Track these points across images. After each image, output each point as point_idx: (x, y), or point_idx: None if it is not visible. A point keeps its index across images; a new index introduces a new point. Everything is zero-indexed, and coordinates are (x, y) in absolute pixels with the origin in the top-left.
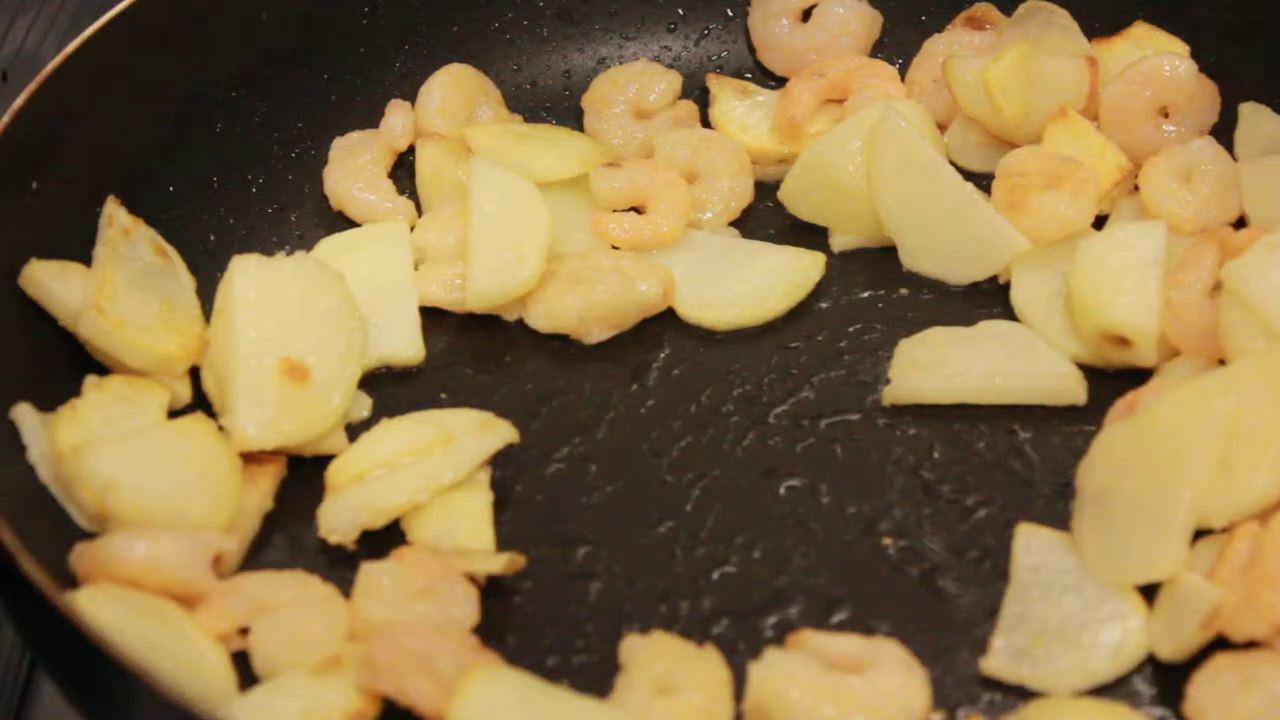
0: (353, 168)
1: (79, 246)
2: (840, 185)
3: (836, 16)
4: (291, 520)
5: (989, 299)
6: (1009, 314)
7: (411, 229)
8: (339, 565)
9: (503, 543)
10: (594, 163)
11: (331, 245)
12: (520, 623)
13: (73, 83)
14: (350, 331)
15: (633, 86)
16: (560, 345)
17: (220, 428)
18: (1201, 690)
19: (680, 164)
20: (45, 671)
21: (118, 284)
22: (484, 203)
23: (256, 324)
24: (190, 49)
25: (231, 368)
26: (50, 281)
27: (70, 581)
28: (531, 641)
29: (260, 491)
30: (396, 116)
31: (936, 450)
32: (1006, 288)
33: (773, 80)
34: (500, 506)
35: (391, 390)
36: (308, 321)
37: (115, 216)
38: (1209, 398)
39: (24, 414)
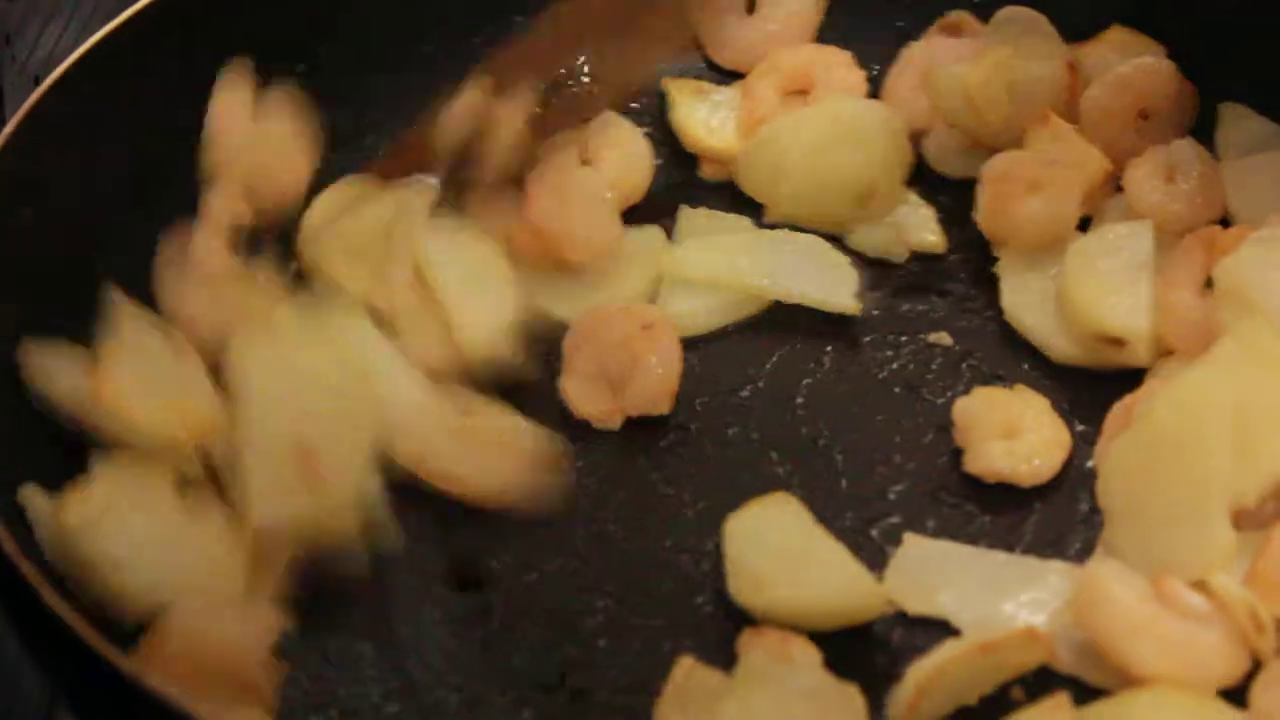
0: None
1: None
2: (785, 166)
3: (783, 5)
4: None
5: (981, 302)
6: (1000, 314)
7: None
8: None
9: (502, 564)
10: None
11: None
12: (519, 622)
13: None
14: (359, 415)
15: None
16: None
17: (229, 507)
18: (1265, 696)
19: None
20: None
21: (119, 366)
22: (440, 259)
23: (265, 407)
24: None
25: (240, 449)
26: (48, 365)
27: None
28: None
29: (271, 572)
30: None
31: None
32: (996, 293)
33: (727, 77)
34: (499, 512)
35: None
36: (316, 406)
37: (115, 298)
38: (1207, 388)
39: (31, 496)
